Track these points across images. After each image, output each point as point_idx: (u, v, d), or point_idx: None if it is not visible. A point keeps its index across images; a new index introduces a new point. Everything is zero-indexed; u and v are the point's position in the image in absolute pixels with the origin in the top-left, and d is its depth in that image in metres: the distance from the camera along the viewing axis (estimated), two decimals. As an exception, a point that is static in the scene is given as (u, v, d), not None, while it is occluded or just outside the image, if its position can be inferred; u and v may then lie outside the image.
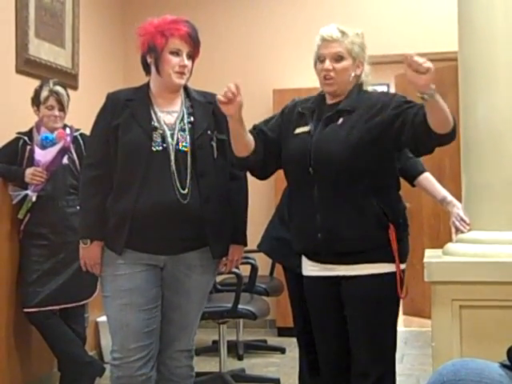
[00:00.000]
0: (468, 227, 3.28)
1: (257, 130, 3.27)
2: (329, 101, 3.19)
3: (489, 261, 3.05)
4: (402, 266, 3.06)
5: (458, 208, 3.41)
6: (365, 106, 3.08)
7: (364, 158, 3.01)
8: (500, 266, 3.02)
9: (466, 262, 3.09)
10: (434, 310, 3.04)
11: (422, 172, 3.68)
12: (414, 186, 3.74)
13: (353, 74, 3.14)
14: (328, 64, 3.11)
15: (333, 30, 3.14)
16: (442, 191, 3.62)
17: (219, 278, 5.26)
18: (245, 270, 5.27)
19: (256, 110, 6.80)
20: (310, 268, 3.19)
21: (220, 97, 3.03)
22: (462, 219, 3.31)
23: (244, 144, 3.17)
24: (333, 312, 3.16)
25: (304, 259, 3.22)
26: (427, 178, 3.68)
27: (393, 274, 3.03)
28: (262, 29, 7.13)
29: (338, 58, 3.11)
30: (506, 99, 3.16)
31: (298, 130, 3.18)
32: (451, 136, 2.87)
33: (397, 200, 3.15)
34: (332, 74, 3.11)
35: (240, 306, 4.83)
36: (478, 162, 3.22)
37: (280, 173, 3.31)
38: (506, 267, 3.01)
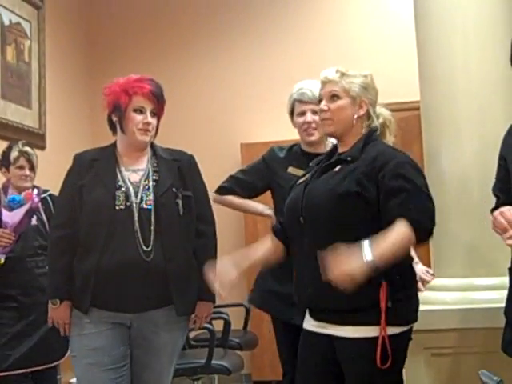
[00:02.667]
0: (432, 277, 3.30)
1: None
2: (340, 149, 3.05)
3: (460, 308, 3.06)
4: (397, 330, 2.80)
5: (420, 265, 3.43)
6: (365, 159, 2.90)
7: (351, 209, 2.83)
8: (471, 312, 3.03)
9: (436, 310, 3.09)
10: (406, 360, 3.04)
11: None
12: None
13: (355, 116, 2.99)
14: (323, 104, 3.02)
15: (330, 71, 3.06)
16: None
17: (192, 334, 5.22)
18: (218, 325, 5.24)
19: (224, 164, 6.84)
20: (309, 322, 3.01)
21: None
22: (427, 271, 3.34)
23: (270, 258, 3.11)
24: (321, 370, 2.96)
25: (307, 312, 3.05)
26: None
27: (389, 337, 2.75)
28: (228, 84, 7.18)
29: (334, 97, 3.00)
30: (469, 148, 3.21)
31: (301, 180, 3.11)
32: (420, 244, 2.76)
33: None
34: (327, 114, 3.00)
35: (214, 362, 4.79)
36: (444, 210, 3.24)
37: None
38: (476, 313, 3.02)
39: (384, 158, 2.89)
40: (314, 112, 3.56)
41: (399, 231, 2.69)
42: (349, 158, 2.94)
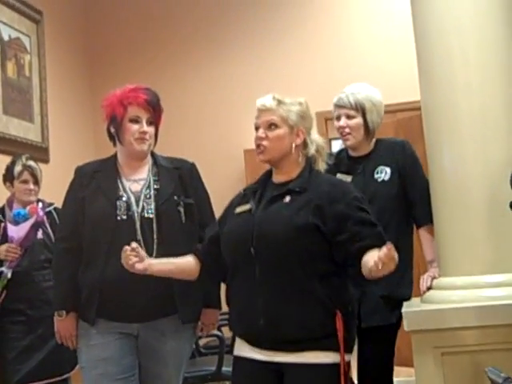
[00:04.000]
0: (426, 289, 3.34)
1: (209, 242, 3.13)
2: (275, 179, 3.03)
3: (467, 306, 3.05)
4: (347, 357, 2.81)
5: (434, 271, 3.43)
6: (316, 191, 2.89)
7: (307, 242, 2.80)
8: (478, 310, 3.03)
9: (444, 309, 3.09)
10: (415, 359, 3.03)
11: (420, 225, 3.56)
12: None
13: (293, 145, 2.96)
14: (261, 132, 2.97)
15: (267, 99, 3.01)
16: (433, 254, 3.50)
17: (202, 342, 5.22)
18: (227, 332, 5.23)
19: (228, 170, 6.89)
20: (249, 351, 2.91)
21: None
22: (432, 277, 3.36)
23: (183, 274, 3.10)
24: None
25: (239, 340, 2.98)
26: (424, 236, 3.56)
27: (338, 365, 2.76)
28: (231, 90, 7.18)
29: (272, 125, 2.96)
30: (471, 147, 3.20)
31: (239, 209, 3.03)
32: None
33: (344, 287, 2.87)
34: (264, 142, 2.95)
35: (224, 369, 4.77)
36: (447, 209, 3.25)
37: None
38: (484, 311, 3.02)
39: (339, 192, 2.90)
40: (349, 116, 3.58)
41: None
42: (297, 189, 2.91)
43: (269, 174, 3.09)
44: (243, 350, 2.94)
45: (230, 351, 5.11)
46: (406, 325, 3.05)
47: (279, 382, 2.87)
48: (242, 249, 2.90)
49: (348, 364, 2.82)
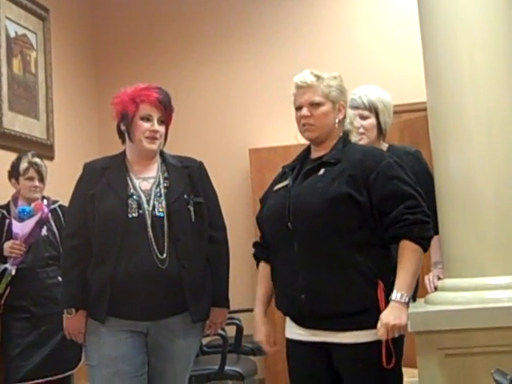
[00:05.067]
0: (433, 289, 3.34)
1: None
2: (314, 154, 3.07)
3: (472, 307, 3.04)
4: None
5: (439, 271, 3.43)
6: (349, 160, 2.93)
7: (343, 212, 2.85)
8: (483, 312, 3.02)
9: (449, 310, 3.07)
10: (419, 361, 3.02)
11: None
12: None
13: (337, 120, 3.02)
14: (305, 111, 3.00)
15: (306, 75, 3.04)
16: (439, 256, 3.48)
17: (205, 340, 5.22)
18: (231, 331, 5.24)
19: (233, 169, 6.89)
20: (296, 331, 2.99)
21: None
22: (438, 277, 3.35)
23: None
24: (322, 381, 2.96)
25: (289, 321, 3.04)
26: (434, 242, 3.52)
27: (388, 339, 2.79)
28: (236, 89, 7.17)
29: (316, 103, 2.99)
30: (477, 149, 3.19)
31: (278, 186, 3.09)
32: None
33: (385, 257, 2.91)
34: (311, 120, 3.00)
35: (227, 368, 4.79)
36: (453, 210, 3.24)
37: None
38: (489, 313, 3.01)
39: (372, 160, 2.94)
40: (362, 117, 3.58)
41: (412, 258, 2.85)
42: (332, 161, 2.95)
43: (307, 150, 3.13)
44: (292, 331, 3.01)
45: (233, 350, 5.16)
46: (409, 326, 3.03)
47: (328, 361, 2.92)
48: (279, 224, 2.95)
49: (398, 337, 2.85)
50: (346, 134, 3.09)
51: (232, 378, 4.98)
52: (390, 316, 2.77)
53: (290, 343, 3.04)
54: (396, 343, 2.85)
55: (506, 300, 3.03)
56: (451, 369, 3.01)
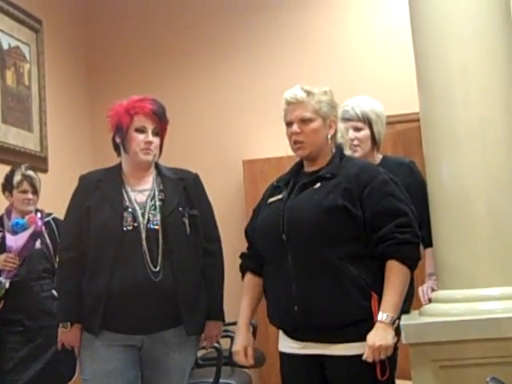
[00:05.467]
0: (427, 300, 3.34)
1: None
2: (307, 169, 3.08)
3: (466, 319, 3.04)
4: None
5: (433, 283, 3.44)
6: (345, 174, 2.94)
7: (338, 224, 2.86)
8: (478, 323, 3.01)
9: (443, 322, 3.07)
10: (413, 372, 3.01)
11: (427, 246, 3.50)
12: None
13: (329, 136, 3.03)
14: (296, 127, 3.00)
15: (296, 91, 3.04)
16: (432, 268, 3.51)
17: (200, 353, 5.20)
18: (225, 343, 5.22)
19: (227, 181, 6.88)
20: (289, 344, 3.00)
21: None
22: (432, 289, 3.36)
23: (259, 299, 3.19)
24: None
25: (281, 334, 3.05)
26: (429, 253, 3.56)
27: None
28: (229, 101, 7.17)
29: (306, 120, 3.00)
30: (470, 160, 3.19)
31: (272, 199, 3.09)
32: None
33: (378, 269, 2.92)
34: (301, 137, 3.00)
35: (221, 381, 4.78)
36: (446, 221, 3.24)
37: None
38: (483, 324, 3.00)
39: (367, 175, 2.95)
40: (356, 129, 3.58)
41: (398, 278, 2.88)
42: (328, 175, 2.96)
43: (300, 163, 3.13)
44: (285, 345, 3.02)
45: (228, 363, 5.14)
46: (403, 337, 3.03)
47: (322, 373, 2.92)
48: (273, 237, 2.96)
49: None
50: (341, 148, 3.10)
51: (226, 391, 4.97)
52: (376, 337, 2.79)
53: (284, 356, 3.05)
54: (390, 355, 2.85)
55: (500, 311, 3.03)
56: (446, 380, 3.00)
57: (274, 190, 3.15)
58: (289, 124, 3.06)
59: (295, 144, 3.03)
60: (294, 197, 3.00)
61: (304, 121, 3.01)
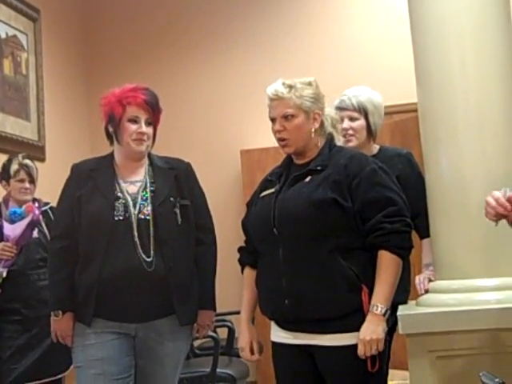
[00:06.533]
0: (424, 286, 3.35)
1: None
2: (297, 161, 3.07)
3: (462, 309, 3.05)
4: None
5: (430, 273, 3.44)
6: (335, 165, 2.93)
7: (327, 217, 2.85)
8: (474, 313, 3.02)
9: (440, 312, 3.08)
10: (410, 363, 3.03)
11: (425, 237, 3.56)
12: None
13: (313, 130, 3.00)
14: (278, 125, 2.99)
15: (278, 86, 3.02)
16: (429, 258, 3.52)
17: (197, 343, 5.21)
18: (222, 333, 5.23)
19: (224, 171, 6.88)
20: (280, 334, 3.01)
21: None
22: (428, 279, 3.36)
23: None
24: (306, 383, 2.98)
25: (273, 325, 3.06)
26: (426, 244, 3.58)
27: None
28: (226, 90, 7.17)
29: (288, 116, 2.98)
30: (468, 151, 3.20)
31: (264, 193, 3.09)
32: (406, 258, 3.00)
33: (369, 261, 2.91)
34: (285, 135, 2.99)
35: (219, 370, 4.79)
36: (444, 213, 3.24)
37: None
38: (479, 315, 3.01)
39: (356, 166, 2.94)
40: (351, 118, 3.58)
41: (389, 268, 2.87)
42: (319, 168, 2.95)
43: (291, 156, 3.12)
44: (276, 335, 3.03)
45: (225, 352, 5.15)
46: (400, 328, 3.04)
47: (312, 363, 2.93)
48: (265, 230, 2.96)
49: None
50: (331, 138, 3.09)
51: (224, 381, 4.97)
52: (367, 331, 2.80)
53: (275, 346, 3.07)
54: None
55: (496, 302, 3.04)
56: (442, 371, 3.01)
57: (267, 183, 3.15)
58: (273, 120, 3.05)
59: (280, 141, 3.03)
60: (284, 190, 3.00)
61: (286, 117, 2.99)
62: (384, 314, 2.82)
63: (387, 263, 2.87)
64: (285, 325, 2.98)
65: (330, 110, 3.16)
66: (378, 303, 2.82)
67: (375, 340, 2.79)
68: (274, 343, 3.07)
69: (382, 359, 2.90)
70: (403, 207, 2.94)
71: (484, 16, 3.27)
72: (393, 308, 3.00)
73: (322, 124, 3.06)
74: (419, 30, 3.42)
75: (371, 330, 2.80)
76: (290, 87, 3.00)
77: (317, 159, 3.00)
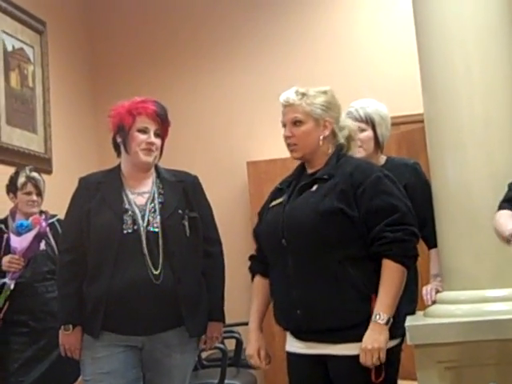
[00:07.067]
0: (431, 297, 3.34)
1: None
2: (308, 170, 3.09)
3: (471, 320, 3.04)
4: (391, 343, 2.88)
5: (438, 284, 3.43)
6: (341, 175, 2.94)
7: (335, 227, 2.86)
8: (483, 324, 3.01)
9: (448, 323, 3.07)
10: (419, 374, 3.02)
11: (432, 247, 3.53)
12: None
13: (321, 137, 3.02)
14: (287, 131, 3.04)
15: (290, 93, 3.07)
16: (437, 269, 3.51)
17: (205, 354, 5.21)
18: (230, 344, 5.22)
19: (231, 183, 6.88)
20: (295, 344, 3.01)
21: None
22: (436, 290, 3.35)
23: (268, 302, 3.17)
24: None
25: (288, 335, 3.07)
26: (434, 254, 3.55)
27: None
28: (232, 102, 7.16)
29: (297, 122, 3.02)
30: (474, 160, 3.20)
31: (274, 203, 3.11)
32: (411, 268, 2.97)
33: (378, 270, 2.88)
34: (293, 140, 3.03)
35: (227, 381, 4.77)
36: (451, 222, 3.24)
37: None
38: (488, 325, 3.00)
39: (361, 174, 2.94)
40: (359, 130, 3.55)
41: (392, 277, 2.86)
42: (325, 176, 2.96)
43: (303, 165, 3.14)
44: (291, 344, 3.04)
45: (233, 364, 5.14)
46: (408, 338, 3.03)
47: (325, 372, 2.94)
48: (274, 241, 2.98)
49: (390, 350, 2.86)
50: (340, 148, 3.09)
51: (231, 392, 4.97)
52: (368, 340, 2.80)
53: (290, 356, 3.07)
54: (393, 357, 2.85)
55: (505, 313, 3.03)
56: (451, 381, 3.00)
57: (277, 192, 3.16)
58: (284, 126, 3.10)
59: (289, 146, 3.07)
60: (292, 200, 3.01)
61: (295, 123, 3.03)
62: (386, 323, 2.82)
63: (390, 272, 2.86)
64: (298, 335, 2.99)
65: (349, 121, 3.18)
66: (381, 312, 2.82)
67: (377, 349, 2.78)
68: (288, 353, 3.08)
69: (391, 370, 2.88)
70: (407, 215, 2.93)
71: (489, 24, 3.28)
72: (397, 335, 2.98)
73: (333, 133, 3.07)
74: (424, 40, 3.43)
75: (373, 339, 2.80)
76: (303, 95, 3.05)
77: (324, 169, 3.01)
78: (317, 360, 2.94)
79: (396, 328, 2.91)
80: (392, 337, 2.87)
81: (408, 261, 2.91)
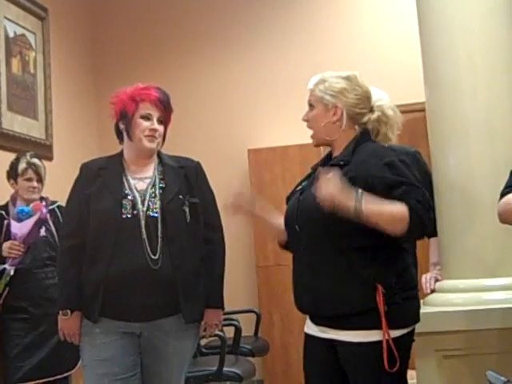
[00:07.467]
0: (430, 286, 3.33)
1: None
2: (333, 156, 3.05)
3: (470, 309, 3.05)
4: (398, 333, 2.78)
5: (437, 273, 3.43)
6: (355, 161, 2.88)
7: (340, 216, 2.76)
8: (481, 313, 3.02)
9: (447, 312, 3.08)
10: (418, 362, 3.03)
11: (432, 236, 3.51)
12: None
13: (326, 122, 2.97)
14: (304, 114, 3.06)
15: (314, 78, 3.08)
16: (436, 257, 3.52)
17: (203, 341, 5.22)
18: (229, 332, 5.23)
19: (232, 170, 6.87)
20: (311, 327, 3.01)
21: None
22: (435, 279, 3.35)
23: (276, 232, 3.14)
24: (328, 375, 2.97)
25: (308, 317, 3.05)
26: (433, 243, 3.57)
27: (392, 340, 2.74)
28: (235, 90, 7.16)
29: (311, 106, 3.04)
30: (476, 150, 3.20)
31: (298, 188, 3.10)
32: (409, 235, 2.78)
33: (387, 260, 2.82)
34: (308, 124, 3.05)
35: (225, 369, 4.78)
36: (452, 211, 3.24)
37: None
38: (486, 314, 3.01)
39: (372, 161, 2.86)
40: None
41: (396, 206, 2.72)
42: (341, 162, 2.91)
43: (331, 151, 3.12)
44: (308, 326, 3.03)
45: (232, 351, 5.15)
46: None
47: (336, 356, 2.92)
48: (291, 227, 2.99)
49: (397, 339, 2.78)
50: (365, 133, 3.01)
51: (230, 380, 4.97)
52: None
53: (306, 337, 3.07)
54: (400, 347, 2.82)
55: (504, 301, 3.03)
56: (450, 370, 3.01)
57: (306, 177, 3.16)
58: None
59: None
60: (309, 186, 2.99)
61: (310, 107, 3.05)
62: (356, 193, 2.72)
63: (397, 206, 2.72)
64: (312, 318, 3.00)
65: (385, 103, 3.09)
66: (363, 193, 2.73)
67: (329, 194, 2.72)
68: (305, 334, 3.08)
69: (401, 360, 2.85)
70: (425, 194, 2.81)
71: (491, 14, 3.28)
72: (407, 325, 2.93)
73: (351, 118, 2.99)
74: (427, 28, 3.43)
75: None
76: (322, 81, 3.04)
77: (341, 155, 2.98)
78: (329, 344, 2.94)
79: (405, 316, 2.85)
80: (402, 326, 2.82)
81: (417, 218, 2.74)
